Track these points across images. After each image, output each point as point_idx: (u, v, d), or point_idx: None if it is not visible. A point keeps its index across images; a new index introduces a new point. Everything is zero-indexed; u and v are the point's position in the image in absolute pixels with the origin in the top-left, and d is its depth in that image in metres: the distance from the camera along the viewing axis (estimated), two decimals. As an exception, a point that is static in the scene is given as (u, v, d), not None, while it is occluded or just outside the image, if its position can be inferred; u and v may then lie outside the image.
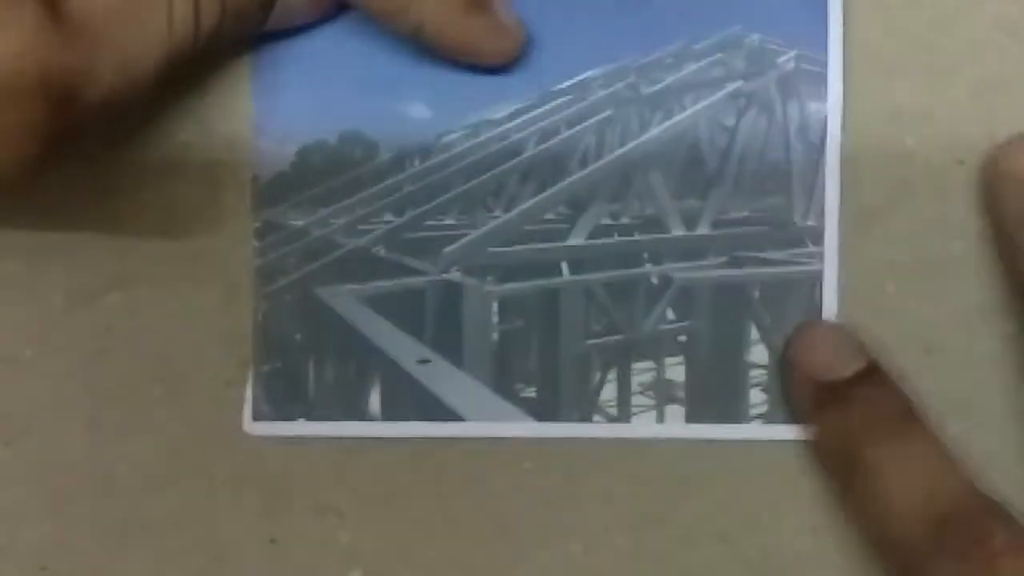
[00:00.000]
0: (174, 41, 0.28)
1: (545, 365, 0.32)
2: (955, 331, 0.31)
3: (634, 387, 0.32)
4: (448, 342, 0.32)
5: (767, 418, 0.31)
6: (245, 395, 0.32)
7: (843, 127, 0.31)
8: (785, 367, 0.31)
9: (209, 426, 0.32)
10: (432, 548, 0.32)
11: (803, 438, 0.31)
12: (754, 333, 0.32)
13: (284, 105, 0.32)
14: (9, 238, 0.32)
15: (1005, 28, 0.32)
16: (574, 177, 0.32)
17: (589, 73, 0.32)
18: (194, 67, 0.31)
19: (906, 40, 0.32)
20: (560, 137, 0.32)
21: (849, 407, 0.30)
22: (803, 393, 0.31)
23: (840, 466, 0.30)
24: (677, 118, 0.32)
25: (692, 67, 0.32)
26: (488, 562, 0.32)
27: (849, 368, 0.30)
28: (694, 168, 0.32)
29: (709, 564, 0.32)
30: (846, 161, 0.32)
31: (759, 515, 0.32)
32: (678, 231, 0.32)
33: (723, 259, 0.32)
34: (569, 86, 0.32)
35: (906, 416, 0.30)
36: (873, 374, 0.30)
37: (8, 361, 0.32)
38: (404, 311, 0.32)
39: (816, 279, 0.31)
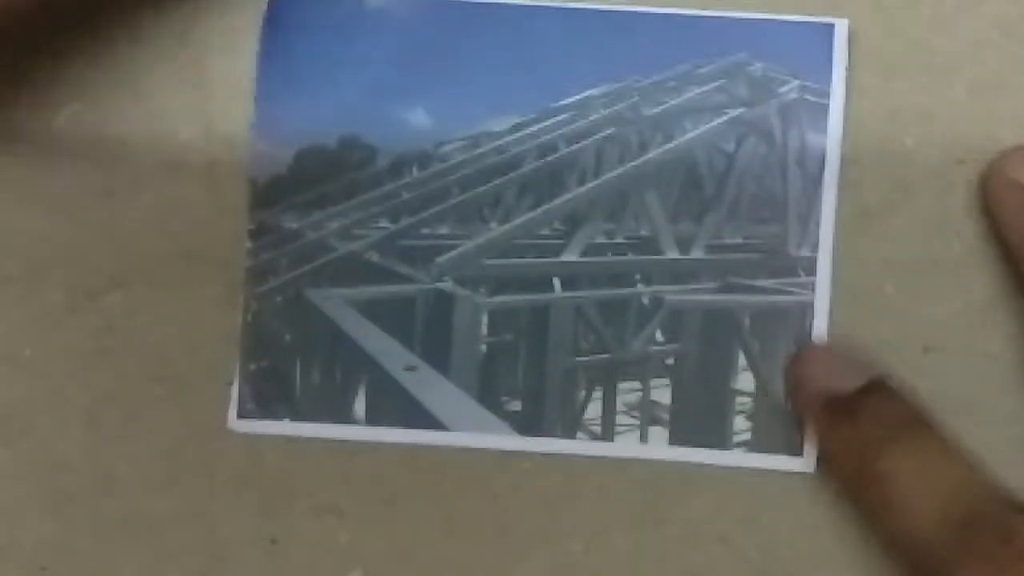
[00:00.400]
0: None
1: (531, 379, 0.32)
2: (955, 331, 0.31)
3: (619, 406, 0.32)
4: (436, 351, 0.32)
5: (750, 446, 0.32)
6: (231, 392, 0.32)
7: (843, 128, 0.32)
8: (787, 389, 0.31)
9: (210, 426, 0.32)
10: (432, 548, 0.32)
11: (786, 468, 0.31)
12: (742, 360, 0.32)
13: (285, 108, 0.32)
14: (9, 238, 0.32)
15: (1004, 28, 0.32)
16: (571, 194, 0.32)
17: (591, 91, 0.32)
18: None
19: (906, 40, 0.32)
20: (559, 153, 0.32)
21: (859, 420, 0.29)
22: (811, 411, 0.30)
23: (856, 480, 0.30)
24: (677, 141, 0.32)
25: (695, 91, 0.32)
26: (488, 562, 0.32)
27: (856, 381, 0.30)
28: (691, 192, 0.32)
29: (709, 564, 0.32)
30: (846, 161, 0.32)
31: (759, 515, 0.32)
32: (672, 253, 0.32)
33: (715, 284, 0.32)
34: (571, 103, 0.32)
35: (917, 423, 0.29)
36: (880, 386, 0.30)
37: (8, 361, 0.32)
38: (394, 317, 0.32)
39: (807, 309, 0.31)
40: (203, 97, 0.32)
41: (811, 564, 0.32)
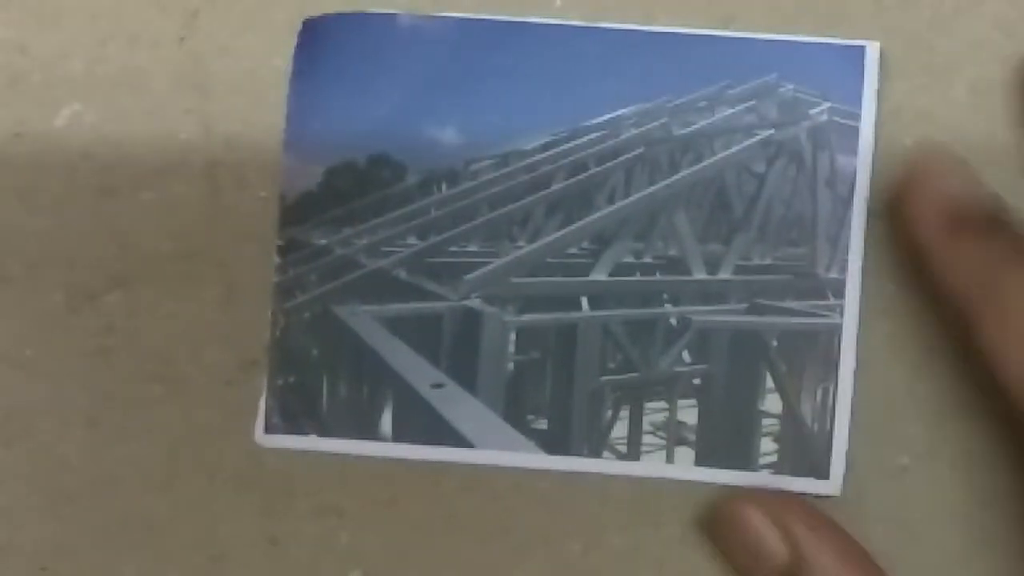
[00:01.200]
0: None
1: (558, 398, 0.32)
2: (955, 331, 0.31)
3: (645, 426, 0.32)
4: (463, 368, 0.32)
5: (776, 468, 0.32)
6: (258, 407, 0.32)
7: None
8: (899, 197, 0.29)
9: (209, 426, 0.32)
10: (432, 548, 0.32)
11: (812, 492, 0.31)
12: (769, 382, 0.32)
13: (315, 125, 0.32)
14: (9, 238, 0.32)
15: (1004, 28, 0.32)
16: (600, 213, 0.32)
17: (622, 111, 0.32)
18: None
19: (906, 40, 0.32)
20: (589, 172, 0.32)
21: (991, 236, 0.28)
22: (931, 219, 0.28)
23: (970, 298, 0.27)
24: (707, 162, 0.32)
25: (725, 112, 0.32)
26: (488, 562, 0.32)
27: (985, 203, 0.28)
28: (720, 212, 0.32)
29: (709, 564, 0.32)
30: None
31: None
32: (700, 274, 0.32)
33: (743, 305, 0.32)
34: (601, 122, 0.32)
35: None
36: (1007, 212, 0.28)
37: (8, 361, 0.32)
38: (421, 335, 0.32)
39: (835, 332, 0.31)
40: (203, 97, 0.32)
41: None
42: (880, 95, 0.32)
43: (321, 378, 0.32)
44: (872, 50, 0.31)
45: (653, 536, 0.32)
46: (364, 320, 0.32)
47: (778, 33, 0.32)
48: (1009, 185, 0.31)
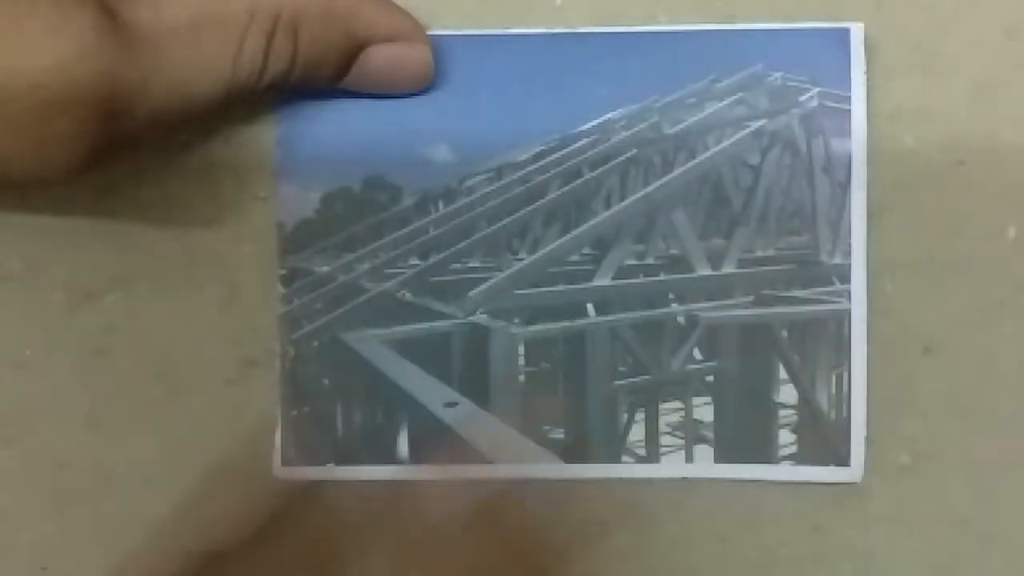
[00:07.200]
0: (237, 76, 0.28)
1: (573, 406, 0.32)
2: (955, 331, 0.31)
3: (662, 427, 0.32)
4: (475, 385, 0.32)
5: (797, 459, 0.31)
6: (274, 440, 0.32)
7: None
8: None
9: (209, 426, 0.32)
10: (431, 548, 0.32)
11: (834, 480, 0.31)
12: (782, 373, 0.31)
13: (307, 151, 0.32)
14: (9, 237, 0.33)
15: (1004, 28, 0.32)
16: (598, 218, 0.32)
17: (611, 114, 0.32)
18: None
19: (906, 40, 0.32)
20: (583, 178, 0.32)
21: None
22: None
23: None
24: (700, 158, 0.32)
25: (715, 106, 0.32)
26: (488, 562, 0.32)
27: None
28: (718, 207, 0.32)
29: (709, 564, 0.32)
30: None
31: (759, 515, 0.32)
32: (704, 270, 0.32)
33: (750, 298, 0.32)
34: (591, 127, 0.32)
35: None
36: None
37: (8, 361, 0.33)
38: (431, 354, 0.32)
39: (844, 317, 0.31)
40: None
41: (811, 564, 0.32)
42: (880, 95, 0.31)
43: (334, 406, 0.32)
44: (856, 31, 0.31)
45: (655, 536, 0.32)
46: (373, 345, 0.32)
47: (768, 23, 0.32)
48: (1009, 185, 0.31)
